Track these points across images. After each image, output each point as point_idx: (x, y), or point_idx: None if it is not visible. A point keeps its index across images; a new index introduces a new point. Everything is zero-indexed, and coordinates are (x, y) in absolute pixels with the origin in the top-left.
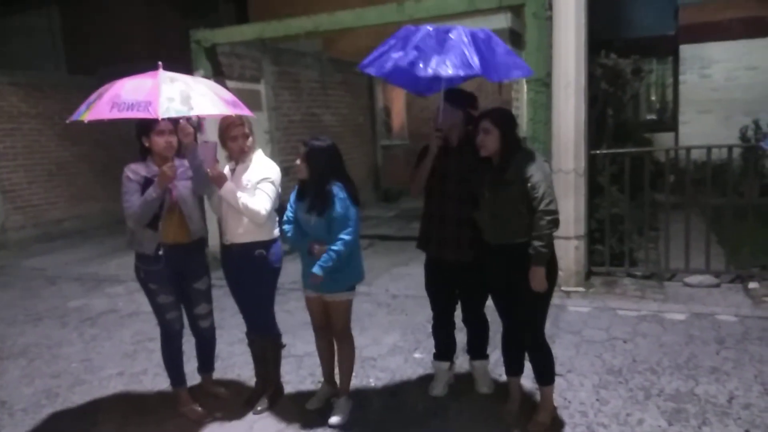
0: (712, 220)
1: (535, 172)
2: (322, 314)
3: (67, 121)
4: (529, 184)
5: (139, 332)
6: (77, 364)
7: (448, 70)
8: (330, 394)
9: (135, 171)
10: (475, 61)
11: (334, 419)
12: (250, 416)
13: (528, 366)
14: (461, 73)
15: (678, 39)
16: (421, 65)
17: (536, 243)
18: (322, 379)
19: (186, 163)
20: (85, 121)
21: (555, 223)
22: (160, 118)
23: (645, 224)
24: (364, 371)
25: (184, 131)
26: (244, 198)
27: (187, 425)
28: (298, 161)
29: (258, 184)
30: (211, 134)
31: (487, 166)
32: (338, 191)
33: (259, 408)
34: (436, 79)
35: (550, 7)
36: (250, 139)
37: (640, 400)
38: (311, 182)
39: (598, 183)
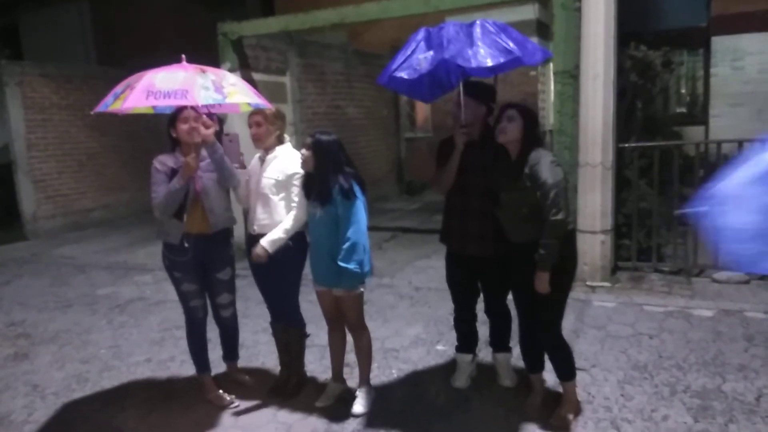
0: None
1: (547, 178)
2: (333, 307)
3: (92, 113)
4: (539, 192)
5: (167, 320)
6: (106, 350)
7: (487, 61)
8: (339, 391)
9: (162, 162)
10: (511, 45)
11: (357, 408)
12: (274, 404)
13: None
14: (502, 59)
15: (710, 30)
16: (461, 59)
17: (541, 250)
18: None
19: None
20: (121, 109)
21: (559, 235)
22: (199, 105)
23: (673, 219)
24: (386, 362)
25: (206, 124)
26: (286, 227)
27: (212, 411)
28: (304, 151)
29: (288, 186)
30: (237, 127)
31: (505, 163)
32: (344, 181)
33: (277, 397)
34: (441, 82)
35: None
36: (263, 128)
37: (665, 396)
38: (318, 172)
39: (626, 177)
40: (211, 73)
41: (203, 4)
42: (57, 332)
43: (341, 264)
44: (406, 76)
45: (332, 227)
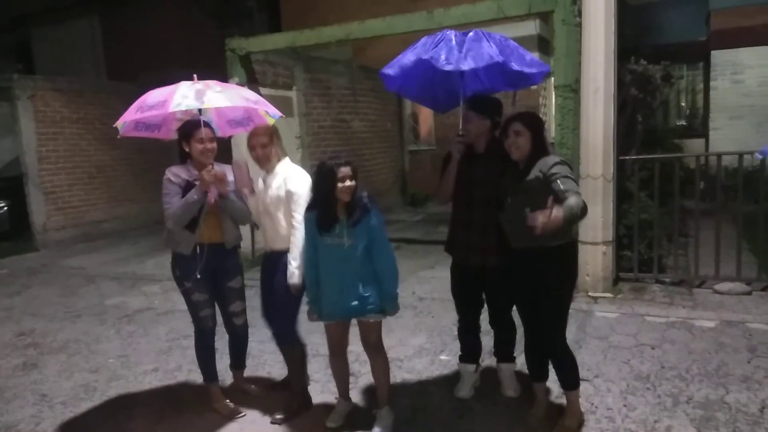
0: (743, 227)
1: (556, 171)
2: (343, 338)
3: (119, 137)
4: (552, 185)
5: (174, 330)
6: (114, 360)
7: (469, 63)
8: (349, 409)
9: (176, 174)
10: (494, 48)
11: (376, 430)
12: (280, 414)
13: (553, 370)
14: (481, 64)
15: (709, 45)
16: (441, 60)
17: (570, 202)
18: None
19: (228, 173)
20: (120, 122)
21: (584, 210)
22: (169, 111)
23: (674, 230)
24: (390, 372)
25: (222, 180)
26: (296, 244)
27: (219, 420)
28: (348, 183)
29: (288, 201)
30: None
31: (513, 171)
32: (369, 201)
33: (277, 417)
34: (455, 94)
35: (580, 14)
36: (269, 148)
37: (668, 407)
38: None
39: (627, 189)
40: (203, 84)
41: (212, 20)
42: (66, 342)
43: (391, 292)
44: (391, 73)
45: (365, 251)
